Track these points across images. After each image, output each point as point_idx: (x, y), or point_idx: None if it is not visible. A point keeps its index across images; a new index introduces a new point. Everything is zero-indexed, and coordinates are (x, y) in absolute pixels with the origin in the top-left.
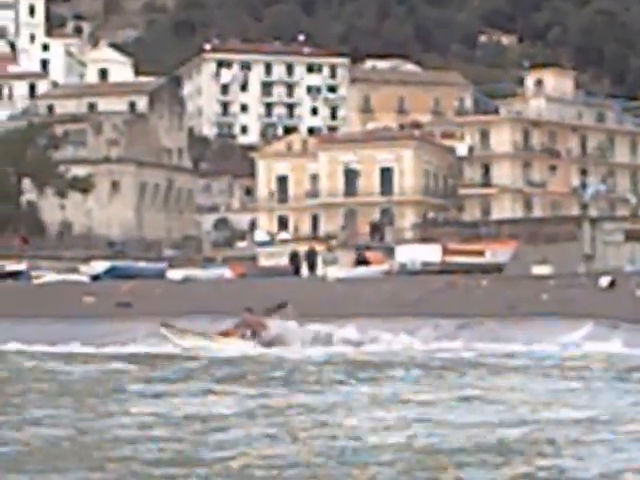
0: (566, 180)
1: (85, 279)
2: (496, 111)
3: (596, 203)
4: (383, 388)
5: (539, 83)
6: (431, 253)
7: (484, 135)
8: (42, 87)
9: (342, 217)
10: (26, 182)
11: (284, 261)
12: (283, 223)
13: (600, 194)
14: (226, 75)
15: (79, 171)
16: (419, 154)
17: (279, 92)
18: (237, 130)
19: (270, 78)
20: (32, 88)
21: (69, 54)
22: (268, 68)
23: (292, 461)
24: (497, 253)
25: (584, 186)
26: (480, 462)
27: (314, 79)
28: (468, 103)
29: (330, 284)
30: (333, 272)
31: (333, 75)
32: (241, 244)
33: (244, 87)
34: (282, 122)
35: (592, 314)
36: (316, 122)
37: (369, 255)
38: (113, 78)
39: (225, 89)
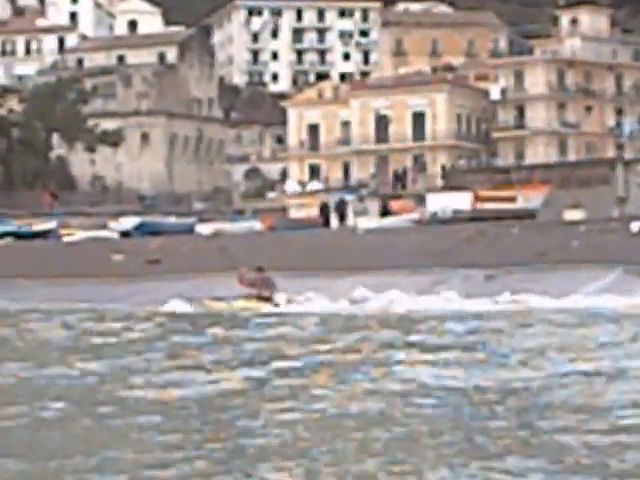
0: (601, 121)
1: (115, 235)
2: (530, 52)
3: (632, 143)
4: None
5: (574, 22)
6: (462, 201)
7: (518, 77)
8: (71, 40)
9: (374, 164)
10: (55, 137)
11: (315, 212)
12: (315, 172)
13: (636, 133)
14: (256, 22)
15: (109, 124)
16: (452, 98)
17: (310, 38)
18: (268, 78)
19: (301, 24)
20: (61, 42)
21: (98, 6)
22: (299, 14)
23: None
24: (529, 199)
25: (619, 125)
26: None
27: (346, 24)
28: (502, 44)
29: (359, 235)
30: (363, 223)
31: (365, 19)
32: (272, 194)
33: (275, 34)
34: (314, 69)
35: (622, 260)
36: (348, 68)
37: (398, 204)
38: (142, 29)
39: (255, 37)
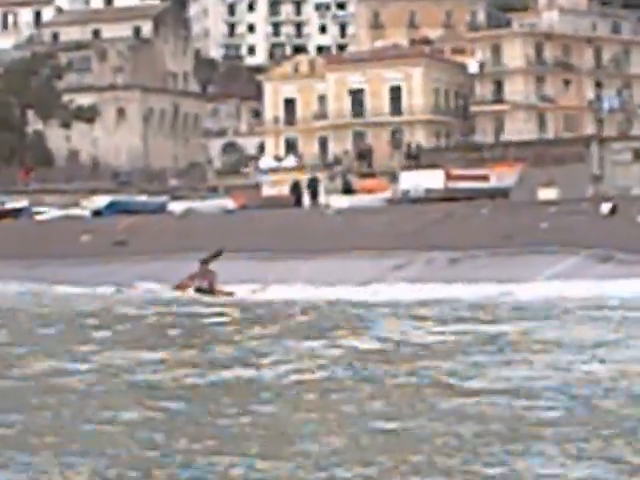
0: (580, 94)
1: (87, 214)
2: (508, 25)
3: (612, 117)
4: None
5: None
6: (434, 179)
7: (496, 50)
8: (47, 14)
9: (351, 139)
10: (30, 114)
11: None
12: (291, 146)
13: (615, 108)
14: None
15: (84, 100)
16: (428, 72)
17: (287, 10)
18: (244, 51)
19: None
20: (37, 15)
21: None
22: None
23: None
24: (503, 177)
25: (599, 99)
26: None
27: None
28: (481, 17)
29: (327, 216)
30: (335, 201)
31: None
32: (246, 170)
33: (251, 7)
34: (291, 41)
35: (589, 245)
36: (325, 40)
37: (372, 182)
38: (119, 2)
39: (232, 9)
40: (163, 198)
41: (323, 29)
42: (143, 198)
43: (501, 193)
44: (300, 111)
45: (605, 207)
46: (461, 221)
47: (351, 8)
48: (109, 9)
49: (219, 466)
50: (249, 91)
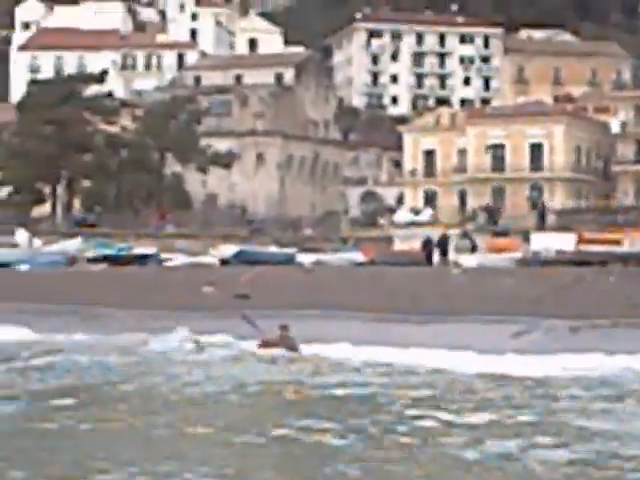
0: None
1: (215, 262)
2: None
3: None
4: None
5: None
6: (566, 241)
7: (639, 110)
8: (191, 57)
9: (490, 194)
10: (169, 156)
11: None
12: (430, 199)
13: None
14: (376, 45)
15: (222, 144)
16: (570, 130)
17: (431, 62)
18: (387, 101)
19: (421, 48)
20: (180, 58)
21: (218, 23)
22: (419, 38)
23: None
24: (636, 242)
25: None
26: None
27: (467, 49)
28: (626, 76)
29: (452, 276)
30: (464, 260)
31: (486, 45)
32: (382, 221)
33: (395, 57)
34: (434, 93)
35: None
36: (468, 93)
37: (504, 242)
38: (262, 48)
39: (375, 59)
40: (292, 250)
41: (467, 82)
42: (272, 249)
43: (634, 259)
44: (440, 163)
45: None
46: (589, 288)
47: (495, 62)
48: (252, 55)
49: None
50: (390, 141)
